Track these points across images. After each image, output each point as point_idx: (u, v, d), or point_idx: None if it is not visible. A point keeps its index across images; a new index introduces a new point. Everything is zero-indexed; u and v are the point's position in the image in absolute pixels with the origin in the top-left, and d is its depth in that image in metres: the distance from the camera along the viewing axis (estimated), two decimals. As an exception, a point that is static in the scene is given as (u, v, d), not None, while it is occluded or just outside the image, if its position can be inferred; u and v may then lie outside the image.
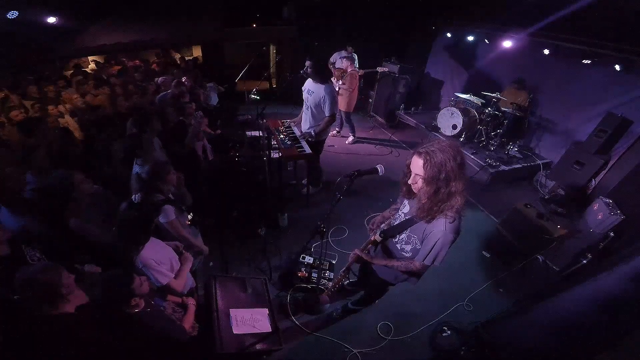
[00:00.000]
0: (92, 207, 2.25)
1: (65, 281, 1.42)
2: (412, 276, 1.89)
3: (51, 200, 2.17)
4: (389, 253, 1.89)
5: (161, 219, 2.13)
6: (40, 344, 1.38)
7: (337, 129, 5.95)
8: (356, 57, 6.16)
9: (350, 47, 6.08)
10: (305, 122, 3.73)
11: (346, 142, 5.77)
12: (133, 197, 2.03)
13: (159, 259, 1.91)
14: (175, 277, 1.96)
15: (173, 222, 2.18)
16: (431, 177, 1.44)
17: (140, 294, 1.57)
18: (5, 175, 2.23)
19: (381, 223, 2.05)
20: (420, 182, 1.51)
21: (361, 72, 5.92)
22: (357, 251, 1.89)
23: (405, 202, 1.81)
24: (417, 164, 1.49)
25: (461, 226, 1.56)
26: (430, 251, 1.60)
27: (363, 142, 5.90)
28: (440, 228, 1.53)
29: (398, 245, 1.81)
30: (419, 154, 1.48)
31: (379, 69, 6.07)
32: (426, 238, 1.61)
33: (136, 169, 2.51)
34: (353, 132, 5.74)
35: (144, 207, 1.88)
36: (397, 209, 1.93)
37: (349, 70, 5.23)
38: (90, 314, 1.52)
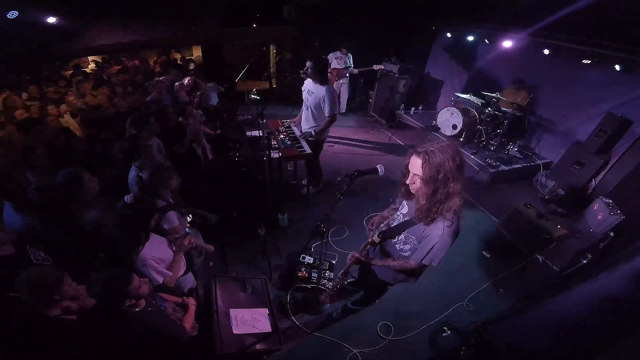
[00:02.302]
0: (94, 207, 2.25)
1: (65, 288, 1.42)
2: (410, 275, 1.89)
3: (54, 200, 2.17)
4: (388, 253, 1.89)
5: (165, 226, 2.13)
6: (40, 344, 1.38)
7: None
8: (351, 58, 6.13)
9: (345, 49, 6.06)
10: (305, 122, 3.72)
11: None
12: (125, 197, 2.03)
13: (159, 258, 1.91)
14: (167, 269, 1.94)
15: (177, 227, 2.19)
16: (429, 177, 1.43)
17: (138, 295, 1.56)
18: (9, 173, 2.24)
19: (380, 223, 2.04)
20: (418, 182, 1.50)
21: (355, 71, 5.92)
22: (355, 254, 1.87)
23: (404, 203, 1.80)
24: (416, 164, 1.48)
25: (460, 227, 1.56)
26: (428, 253, 1.60)
27: (363, 142, 5.90)
28: (438, 232, 1.52)
29: (397, 246, 1.81)
30: (418, 153, 1.47)
31: (375, 67, 6.01)
32: (424, 239, 1.61)
33: (133, 172, 2.50)
34: None
35: (139, 207, 1.88)
36: (396, 209, 1.93)
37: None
38: (90, 314, 1.52)
